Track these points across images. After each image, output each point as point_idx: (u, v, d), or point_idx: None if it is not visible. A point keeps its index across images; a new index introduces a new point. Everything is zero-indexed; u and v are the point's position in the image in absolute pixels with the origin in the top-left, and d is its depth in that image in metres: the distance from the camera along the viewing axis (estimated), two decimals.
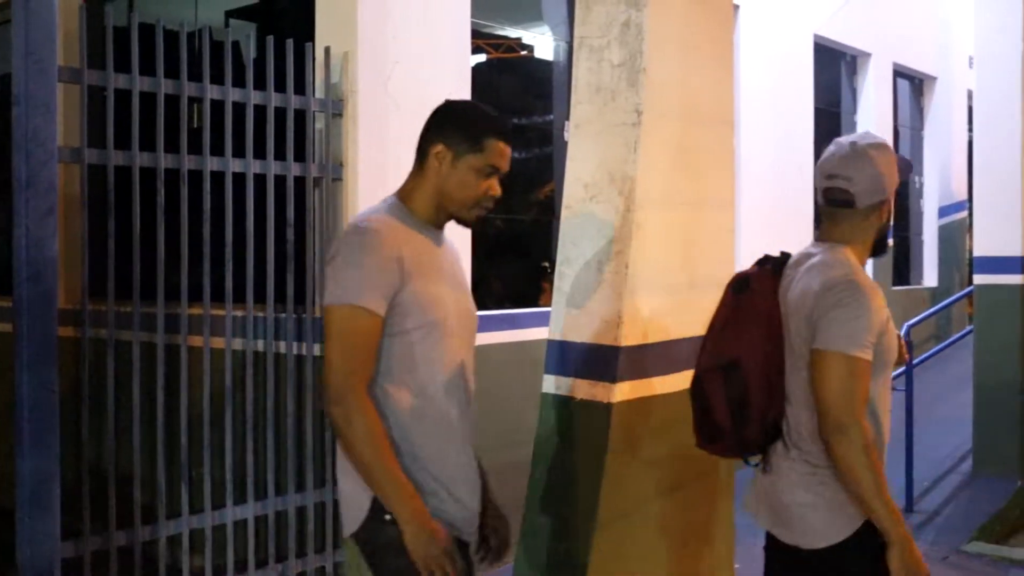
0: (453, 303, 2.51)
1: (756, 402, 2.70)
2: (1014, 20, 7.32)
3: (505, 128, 2.56)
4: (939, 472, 7.40)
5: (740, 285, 2.81)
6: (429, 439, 2.46)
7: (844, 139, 2.77)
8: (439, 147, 2.49)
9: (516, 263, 6.75)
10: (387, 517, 2.37)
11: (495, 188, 2.53)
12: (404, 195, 2.54)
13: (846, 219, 2.74)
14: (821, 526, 2.68)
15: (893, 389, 7.51)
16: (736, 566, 4.34)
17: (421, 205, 2.52)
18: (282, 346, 4.89)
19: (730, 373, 2.71)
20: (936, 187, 11.52)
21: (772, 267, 2.82)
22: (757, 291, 2.77)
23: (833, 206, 2.75)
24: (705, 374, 2.78)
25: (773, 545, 2.85)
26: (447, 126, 2.52)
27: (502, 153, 2.52)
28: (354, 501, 2.43)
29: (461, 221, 2.55)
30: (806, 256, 2.80)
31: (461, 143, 2.48)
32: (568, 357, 3.69)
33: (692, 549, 3.97)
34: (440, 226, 2.56)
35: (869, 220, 2.75)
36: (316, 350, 4.92)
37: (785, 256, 2.86)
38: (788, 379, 2.73)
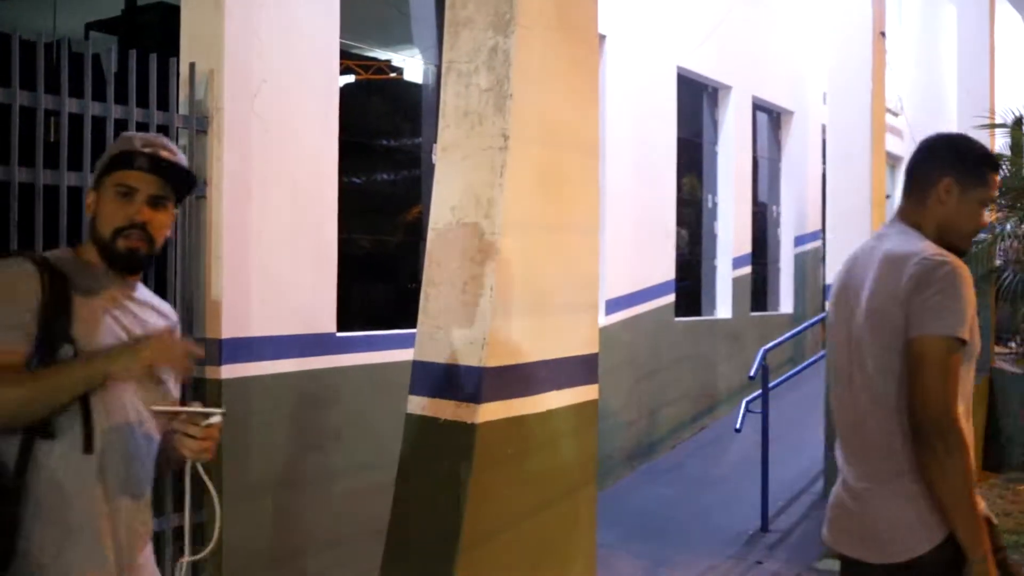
0: None
1: None
2: (864, 60, 7.68)
3: (996, 160, 2.80)
4: (793, 492, 7.65)
5: None
6: None
7: None
8: (947, 180, 2.67)
9: (384, 285, 6.73)
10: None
11: (985, 219, 2.74)
12: (917, 225, 2.70)
13: None
14: None
15: (749, 412, 7.74)
16: None
17: (929, 235, 2.67)
18: None
19: None
20: (792, 217, 11.94)
21: None
22: None
23: None
24: None
25: None
26: (954, 160, 2.70)
27: (996, 185, 2.74)
28: (920, 531, 2.51)
29: (959, 251, 2.67)
30: None
31: (969, 177, 2.68)
32: (433, 378, 3.70)
33: (554, 567, 4.02)
34: None
35: None
36: None
37: None
38: None
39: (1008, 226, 8.73)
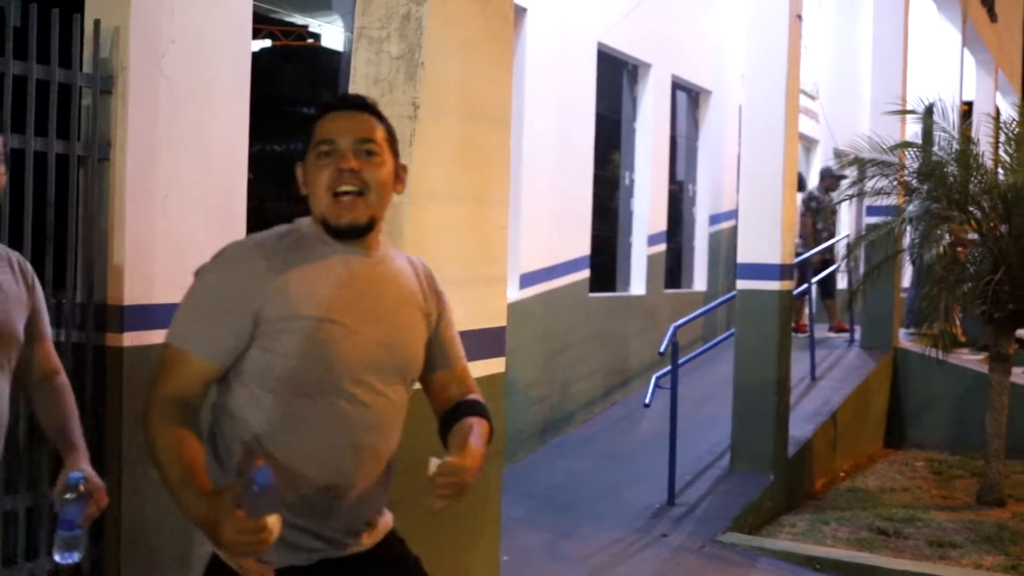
0: None
1: None
2: (781, 42, 7.75)
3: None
4: (700, 467, 7.76)
5: None
6: None
7: None
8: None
9: None
10: None
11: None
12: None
13: None
14: None
15: (659, 387, 7.76)
16: (504, 558, 4.42)
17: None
18: None
19: None
20: (708, 196, 12.07)
21: None
22: None
23: None
24: None
25: None
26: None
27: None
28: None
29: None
30: None
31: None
32: None
33: (458, 540, 4.01)
34: None
35: None
36: (75, 337, 4.69)
37: None
38: None
39: (912, 206, 8.85)
